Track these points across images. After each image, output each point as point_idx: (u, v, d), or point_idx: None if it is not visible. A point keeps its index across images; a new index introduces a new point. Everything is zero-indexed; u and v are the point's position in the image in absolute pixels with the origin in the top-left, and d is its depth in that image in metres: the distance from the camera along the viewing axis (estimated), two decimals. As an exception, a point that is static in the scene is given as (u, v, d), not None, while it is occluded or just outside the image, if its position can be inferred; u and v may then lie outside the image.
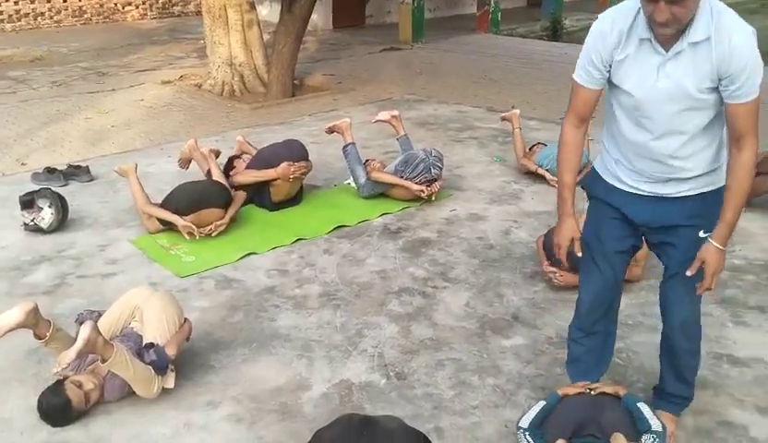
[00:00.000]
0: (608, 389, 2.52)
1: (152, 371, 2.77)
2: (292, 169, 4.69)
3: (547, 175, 5.21)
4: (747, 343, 3.31)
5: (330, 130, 5.23)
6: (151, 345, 2.84)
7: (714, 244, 2.29)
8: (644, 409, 2.36)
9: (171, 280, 3.92)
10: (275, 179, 4.70)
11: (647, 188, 2.41)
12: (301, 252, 4.28)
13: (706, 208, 2.34)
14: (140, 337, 2.93)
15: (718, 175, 2.36)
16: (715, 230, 2.29)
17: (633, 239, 2.57)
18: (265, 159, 4.78)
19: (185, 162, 5.09)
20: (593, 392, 2.51)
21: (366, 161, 5.15)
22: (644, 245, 3.63)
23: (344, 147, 5.11)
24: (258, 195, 4.81)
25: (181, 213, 4.26)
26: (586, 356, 2.78)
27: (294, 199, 4.92)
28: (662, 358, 2.72)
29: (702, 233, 2.34)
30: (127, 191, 4.68)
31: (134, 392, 2.81)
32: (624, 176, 2.45)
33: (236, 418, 2.82)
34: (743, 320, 3.51)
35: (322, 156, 5.83)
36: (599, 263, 2.59)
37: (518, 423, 2.44)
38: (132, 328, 3.02)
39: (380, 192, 5.00)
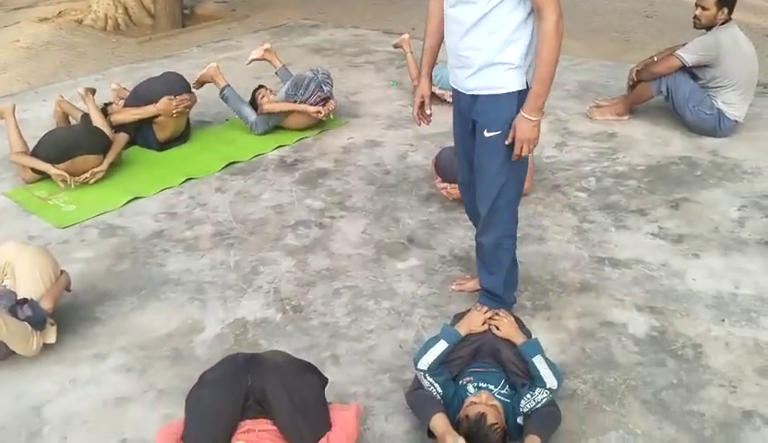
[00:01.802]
0: (509, 335, 2.46)
1: (29, 327, 2.64)
2: (174, 103, 4.47)
3: (437, 91, 5.20)
4: (627, 246, 3.46)
5: (200, 83, 4.99)
6: (25, 301, 2.70)
7: (523, 113, 2.45)
8: (539, 363, 2.32)
9: (50, 231, 3.72)
10: (157, 116, 4.47)
11: (455, 83, 2.63)
12: (191, 192, 4.14)
13: (491, 108, 2.51)
14: (14, 294, 2.78)
15: (508, 78, 2.46)
16: (526, 100, 2.44)
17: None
18: (143, 96, 4.52)
19: (61, 121, 4.73)
20: (497, 332, 2.47)
21: (258, 88, 4.96)
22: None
23: (220, 92, 4.90)
24: (142, 135, 4.58)
25: (53, 162, 4.02)
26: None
27: (182, 137, 4.72)
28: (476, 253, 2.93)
29: (486, 133, 2.54)
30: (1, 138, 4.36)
31: (14, 352, 2.69)
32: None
33: (126, 368, 2.76)
34: (624, 224, 3.66)
35: (212, 90, 5.53)
36: (459, 154, 2.85)
37: (416, 362, 2.37)
38: (5, 285, 2.85)
39: (275, 125, 4.86)
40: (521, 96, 2.47)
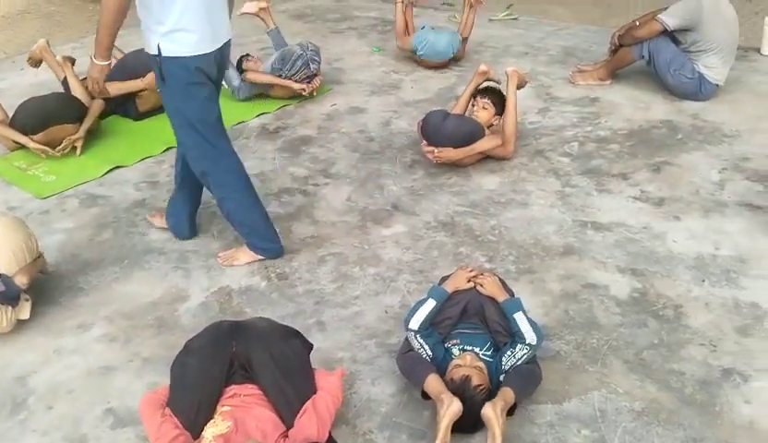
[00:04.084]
0: (492, 293, 2.49)
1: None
2: None
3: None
4: (609, 209, 3.49)
5: None
6: (-3, 275, 2.67)
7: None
8: (519, 319, 2.36)
9: (31, 202, 3.68)
10: (143, 90, 4.40)
11: None
12: (172, 161, 4.01)
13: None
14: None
15: (149, 42, 2.73)
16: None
17: None
18: (130, 68, 4.43)
19: (34, 62, 4.61)
20: (482, 290, 2.50)
21: (246, 56, 4.89)
22: (508, 122, 3.71)
23: None
24: (122, 106, 4.50)
25: (29, 133, 3.95)
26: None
27: (162, 107, 4.64)
28: None
29: None
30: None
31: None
32: None
33: (110, 338, 2.75)
34: (606, 188, 3.68)
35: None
36: None
37: (407, 323, 2.39)
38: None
39: (258, 93, 4.80)
40: (158, 59, 2.71)
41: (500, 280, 2.60)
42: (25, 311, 2.73)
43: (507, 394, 2.20)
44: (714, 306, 2.81)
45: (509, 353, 2.33)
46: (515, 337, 2.35)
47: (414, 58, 5.34)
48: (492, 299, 2.47)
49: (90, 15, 7.13)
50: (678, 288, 2.92)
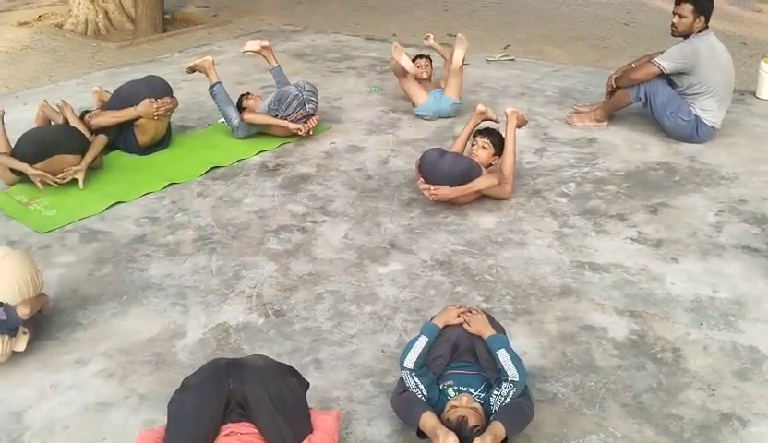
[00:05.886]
0: (478, 331, 2.48)
1: None
2: (155, 106, 4.44)
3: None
4: (607, 250, 3.50)
5: (192, 69, 4.97)
6: (0, 304, 2.66)
7: None
8: (502, 356, 2.35)
9: (31, 236, 3.69)
10: (138, 118, 4.45)
11: None
12: (173, 197, 4.12)
13: None
14: (-9, 298, 2.75)
15: None
16: None
17: None
18: (124, 98, 4.49)
19: (42, 121, 4.69)
20: (468, 328, 2.49)
21: (246, 94, 4.96)
22: (506, 162, 3.75)
23: (210, 87, 4.89)
24: (123, 139, 4.55)
25: (30, 162, 3.98)
26: None
27: (163, 142, 4.69)
28: None
29: None
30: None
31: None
32: None
33: (107, 373, 2.74)
34: (604, 229, 3.70)
35: (194, 94, 5.59)
36: None
37: (402, 362, 2.38)
38: (-17, 290, 2.82)
39: (257, 131, 4.86)
40: None
41: (488, 316, 2.58)
42: (21, 343, 2.72)
43: (496, 428, 2.20)
44: (713, 350, 2.81)
45: (495, 392, 2.32)
46: (500, 374, 2.35)
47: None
48: (479, 336, 2.47)
49: (94, 52, 7.24)
50: (677, 331, 2.92)
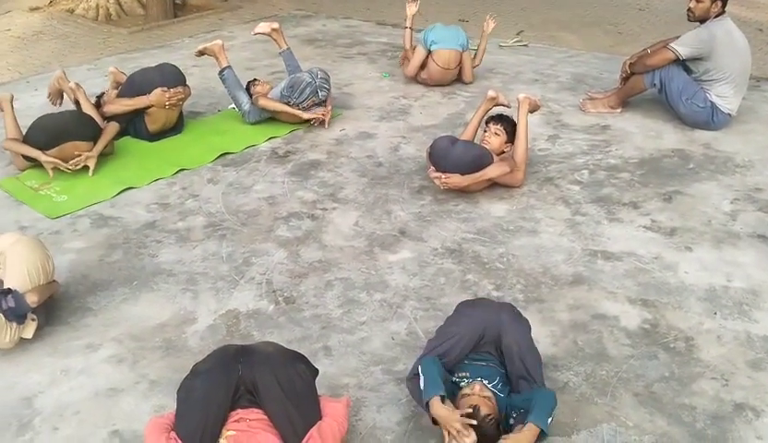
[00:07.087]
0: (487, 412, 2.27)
1: (3, 318, 2.61)
2: (167, 95, 4.43)
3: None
4: (620, 239, 3.47)
5: (201, 53, 4.95)
6: (9, 291, 2.66)
7: None
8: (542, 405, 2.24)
9: (42, 222, 3.70)
10: (149, 107, 4.44)
11: None
12: (183, 183, 4.12)
13: None
14: (1, 282, 2.76)
15: None
16: None
17: None
18: (137, 86, 4.47)
19: (55, 96, 4.69)
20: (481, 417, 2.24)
21: (253, 80, 4.94)
22: (518, 149, 3.72)
23: (220, 72, 4.86)
24: (134, 126, 4.54)
25: (42, 149, 3.99)
26: None
27: (174, 128, 4.68)
28: None
29: None
30: (-7, 129, 4.33)
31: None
32: None
33: (118, 359, 2.74)
34: (617, 217, 3.66)
35: (204, 80, 5.57)
36: None
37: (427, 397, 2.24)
38: (-5, 275, 2.83)
39: (267, 117, 4.83)
40: None
41: (515, 310, 2.50)
42: (29, 330, 2.72)
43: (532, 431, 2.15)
44: (727, 340, 2.78)
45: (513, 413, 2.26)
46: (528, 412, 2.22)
47: (422, 82, 5.40)
48: (514, 328, 2.40)
49: (105, 37, 7.23)
50: (690, 320, 2.89)
